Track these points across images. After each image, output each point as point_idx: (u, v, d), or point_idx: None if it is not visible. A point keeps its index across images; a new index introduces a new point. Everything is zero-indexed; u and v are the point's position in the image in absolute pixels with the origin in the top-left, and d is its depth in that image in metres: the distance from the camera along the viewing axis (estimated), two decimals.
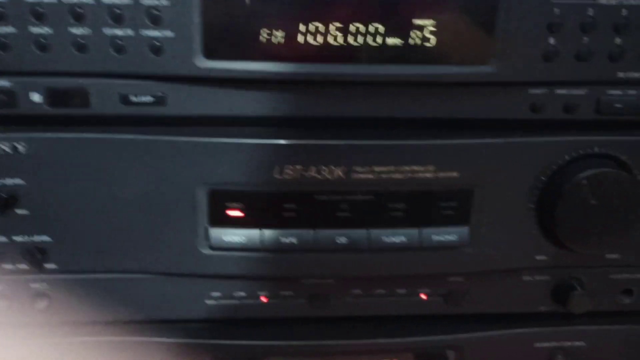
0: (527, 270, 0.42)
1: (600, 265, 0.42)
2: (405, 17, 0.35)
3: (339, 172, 0.37)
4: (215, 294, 0.41)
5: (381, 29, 0.35)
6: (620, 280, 0.42)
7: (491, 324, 0.43)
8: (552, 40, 0.35)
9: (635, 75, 0.37)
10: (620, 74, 0.37)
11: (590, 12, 0.35)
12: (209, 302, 0.41)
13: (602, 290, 0.43)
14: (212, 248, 0.39)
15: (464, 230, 0.39)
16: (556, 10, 0.35)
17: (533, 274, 0.42)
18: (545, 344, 0.44)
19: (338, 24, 0.35)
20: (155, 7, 0.33)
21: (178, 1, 0.33)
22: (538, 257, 0.41)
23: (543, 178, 0.39)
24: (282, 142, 0.36)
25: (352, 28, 0.35)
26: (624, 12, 0.35)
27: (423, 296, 0.42)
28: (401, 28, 0.35)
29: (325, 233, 0.38)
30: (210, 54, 0.34)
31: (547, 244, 0.40)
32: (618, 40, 0.36)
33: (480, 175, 0.38)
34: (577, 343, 0.44)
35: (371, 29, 0.35)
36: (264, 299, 0.41)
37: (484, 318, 0.43)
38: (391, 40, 0.35)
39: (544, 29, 0.35)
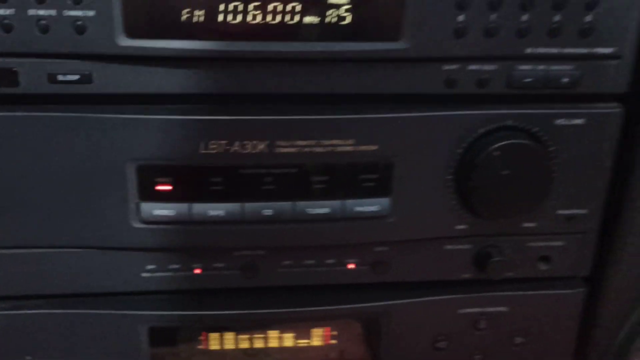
0: (449, 239, 0.44)
1: (518, 234, 0.44)
2: None
3: (262, 146, 0.39)
4: (150, 266, 0.43)
5: (298, 7, 0.36)
6: (537, 247, 0.45)
7: (417, 291, 0.45)
8: (461, 18, 0.37)
9: (543, 50, 0.39)
10: (529, 50, 0.39)
11: None
12: (144, 274, 0.43)
13: (521, 258, 0.45)
14: (143, 222, 0.40)
15: (385, 201, 0.41)
16: None
17: (454, 243, 0.44)
18: (469, 310, 0.46)
19: (256, 3, 0.36)
20: None
21: None
22: (458, 227, 0.43)
23: (459, 150, 0.41)
24: (205, 118, 0.38)
25: (270, 7, 0.36)
26: None
27: (351, 265, 0.44)
28: (317, 7, 0.36)
29: (251, 206, 0.40)
30: (131, 33, 0.36)
31: (466, 214, 0.42)
32: (525, 17, 0.38)
33: (398, 148, 0.40)
34: (500, 308, 0.46)
35: (289, 7, 0.36)
36: (197, 271, 0.43)
37: (411, 286, 0.45)
38: (308, 19, 0.37)
39: (452, 7, 0.37)
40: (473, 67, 0.39)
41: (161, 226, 0.40)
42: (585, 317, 0.48)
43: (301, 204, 0.40)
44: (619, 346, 0.49)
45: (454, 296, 0.45)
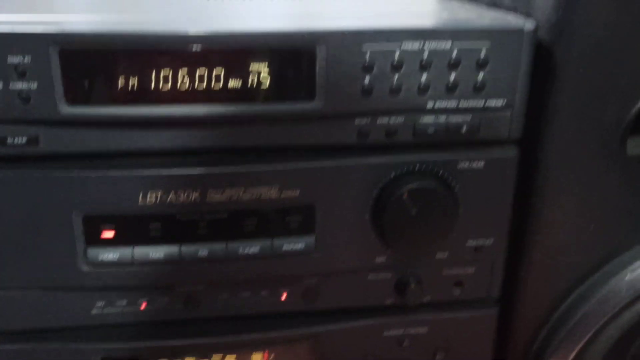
0: (370, 270, 0.49)
1: (432, 263, 0.49)
2: (244, 63, 0.41)
3: (195, 195, 0.43)
4: (100, 303, 0.47)
5: (223, 73, 0.41)
6: (451, 274, 0.50)
7: (345, 317, 0.50)
8: (367, 79, 0.42)
9: (442, 105, 0.44)
10: (429, 104, 0.44)
11: (397, 55, 0.42)
12: (94, 311, 0.47)
13: (437, 284, 0.50)
14: (91, 265, 0.45)
15: (309, 239, 0.46)
16: (368, 56, 0.42)
17: (376, 273, 0.49)
18: (393, 332, 0.51)
19: (186, 71, 0.41)
20: (20, 64, 0.39)
21: (39, 57, 0.39)
22: (378, 259, 0.48)
23: (373, 193, 0.46)
24: (143, 172, 0.42)
25: (198, 74, 0.41)
26: (425, 54, 0.42)
27: (283, 296, 0.49)
28: (240, 72, 0.41)
29: (188, 248, 0.45)
30: (72, 101, 0.40)
31: (384, 248, 0.47)
32: (424, 77, 0.43)
33: (319, 193, 0.45)
34: (421, 329, 0.51)
35: (214, 73, 0.41)
36: (143, 306, 0.47)
37: (339, 312, 0.50)
38: (232, 83, 0.42)
39: (359, 70, 0.42)
40: (381, 120, 0.44)
41: (107, 269, 0.45)
42: (502, 330, 0.53)
43: (233, 245, 0.45)
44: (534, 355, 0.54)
45: (378, 320, 0.50)
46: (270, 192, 0.44)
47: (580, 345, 0.52)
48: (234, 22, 0.43)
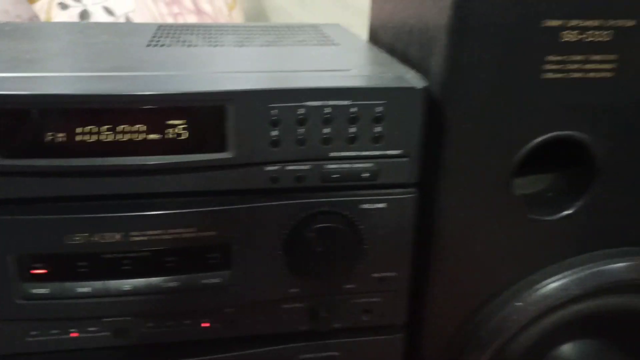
0: (284, 300, 0.53)
1: (341, 293, 0.54)
2: (162, 118, 0.46)
3: (118, 236, 0.48)
4: (34, 332, 0.51)
5: (143, 128, 0.46)
6: (359, 303, 0.55)
7: (262, 342, 0.55)
8: (275, 132, 0.47)
9: (344, 154, 0.49)
10: (333, 154, 0.49)
11: (302, 111, 0.47)
12: (29, 339, 0.51)
13: (347, 312, 0.55)
14: (24, 299, 0.49)
15: (226, 273, 0.51)
16: (274, 112, 0.47)
17: (290, 303, 0.54)
18: (307, 356, 0.56)
19: (108, 126, 0.45)
20: None
21: None
22: (291, 290, 0.53)
23: (285, 231, 0.51)
24: (70, 216, 0.47)
25: (119, 128, 0.46)
26: (327, 109, 0.47)
27: (205, 324, 0.53)
28: (159, 126, 0.46)
29: (113, 283, 0.49)
30: (4, 155, 0.44)
31: (296, 280, 0.52)
32: (327, 130, 0.48)
33: (234, 233, 0.50)
34: (333, 353, 0.56)
35: (135, 128, 0.46)
36: (75, 335, 0.52)
37: (258, 338, 0.55)
38: (152, 136, 0.46)
39: (267, 125, 0.47)
40: (290, 167, 0.49)
41: (39, 301, 0.49)
42: (412, 354, 0.59)
43: (155, 280, 0.50)
44: None
45: (294, 345, 0.55)
46: (188, 233, 0.49)
47: None
48: (153, 84, 0.47)
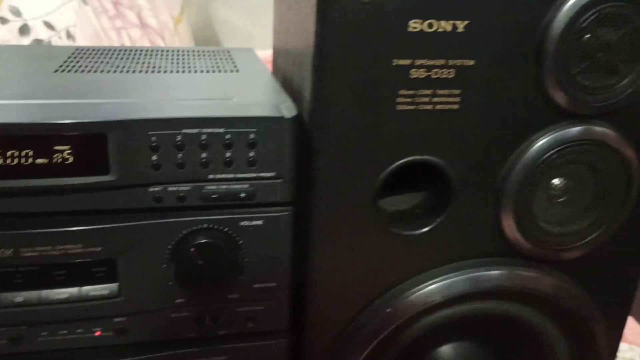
0: (172, 309, 0.58)
1: (226, 302, 0.59)
2: (49, 144, 0.50)
3: (9, 252, 0.52)
4: None
5: (31, 153, 0.50)
6: (244, 311, 0.60)
7: (152, 349, 0.59)
8: (155, 157, 0.52)
9: (221, 176, 0.54)
10: (211, 176, 0.54)
11: (179, 138, 0.52)
12: None
13: (232, 319, 0.60)
14: None
15: (114, 286, 0.55)
16: (153, 139, 0.52)
17: (177, 312, 0.58)
18: None
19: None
20: None
21: None
22: (177, 301, 0.58)
23: (169, 247, 0.56)
24: None
25: (8, 153, 0.50)
26: (203, 137, 0.53)
27: (98, 333, 0.58)
28: (46, 152, 0.50)
29: (6, 295, 0.53)
30: None
31: (181, 291, 0.57)
32: (204, 154, 0.53)
33: (120, 248, 0.54)
34: (220, 358, 0.61)
35: (23, 153, 0.50)
36: None
37: (149, 344, 0.59)
38: (39, 160, 0.51)
39: (148, 150, 0.52)
40: (172, 188, 0.54)
41: None
42: (295, 357, 0.64)
43: (45, 292, 0.54)
44: None
45: (183, 350, 0.60)
46: (75, 249, 0.53)
47: None
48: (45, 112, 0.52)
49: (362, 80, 0.53)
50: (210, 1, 2.25)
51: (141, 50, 0.82)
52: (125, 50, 0.81)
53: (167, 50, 0.83)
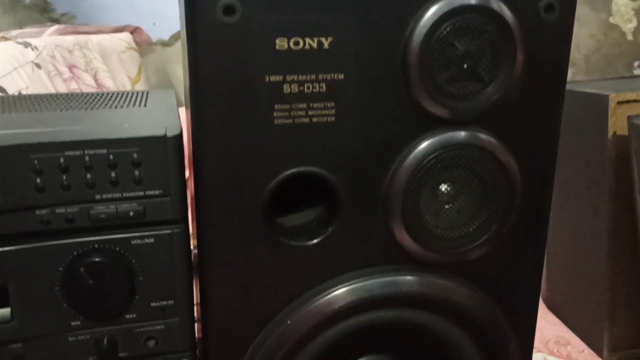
0: (69, 332, 0.59)
1: (123, 323, 0.60)
2: None
3: None
4: None
5: None
6: (143, 332, 0.61)
7: None
8: (39, 180, 0.54)
9: (109, 196, 0.57)
10: (98, 196, 0.56)
11: (62, 160, 0.55)
12: None
13: (131, 340, 0.61)
14: None
15: (6, 311, 0.56)
16: (36, 162, 0.54)
17: (74, 335, 0.59)
18: None
19: None
20: None
21: None
22: (73, 323, 0.59)
23: (60, 269, 0.57)
24: None
25: None
26: (87, 158, 0.55)
27: None
28: None
29: None
30: None
31: (77, 313, 0.58)
32: (89, 175, 0.56)
33: (10, 273, 0.56)
34: None
35: None
36: None
37: None
38: None
39: (31, 173, 0.54)
40: (59, 210, 0.56)
41: None
42: None
43: None
44: None
45: None
46: None
47: None
48: None
49: (238, 97, 0.56)
50: (168, 62, 2.30)
51: (67, 95, 0.85)
52: (51, 95, 0.84)
53: (90, 94, 0.86)
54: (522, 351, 0.73)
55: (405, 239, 0.63)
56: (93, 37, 1.86)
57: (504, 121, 0.63)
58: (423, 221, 0.63)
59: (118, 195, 0.57)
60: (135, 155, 0.56)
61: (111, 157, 0.55)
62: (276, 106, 0.57)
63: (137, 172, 0.56)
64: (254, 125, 0.57)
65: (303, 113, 0.58)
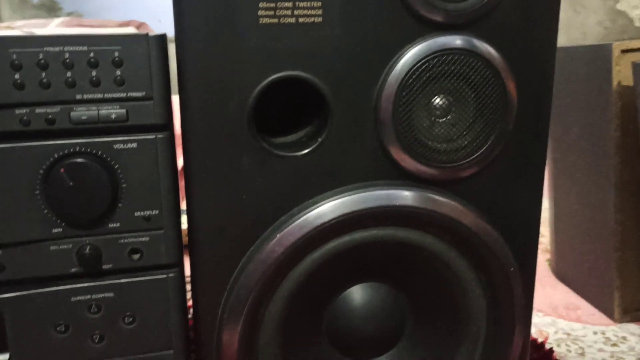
0: (51, 241, 0.57)
1: (107, 233, 0.58)
2: None
3: None
4: None
5: None
6: (127, 243, 0.59)
7: (33, 285, 0.58)
8: (17, 75, 0.53)
9: (89, 96, 0.55)
10: (78, 96, 0.55)
11: (41, 56, 0.53)
12: None
13: (116, 252, 0.59)
14: None
15: None
16: (14, 56, 0.53)
17: (56, 244, 0.58)
18: (81, 298, 0.59)
19: None
20: None
21: None
22: (55, 230, 0.57)
23: (40, 172, 0.56)
24: None
25: None
26: (67, 54, 0.54)
27: None
28: None
29: None
30: None
31: (58, 220, 0.57)
32: (69, 74, 0.54)
33: None
34: (107, 294, 0.60)
35: None
36: None
37: (29, 281, 0.58)
38: None
39: (9, 69, 0.53)
40: (39, 110, 0.55)
41: None
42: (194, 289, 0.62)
43: None
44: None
45: (65, 287, 0.59)
46: None
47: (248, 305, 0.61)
48: None
49: None
50: (173, 58, 2.32)
51: None
52: None
53: None
54: (523, 278, 0.70)
55: (397, 150, 0.61)
56: (98, 30, 1.88)
57: (500, 30, 0.61)
58: (415, 132, 0.61)
59: (99, 96, 0.55)
60: (116, 54, 0.55)
61: (92, 54, 0.54)
62: (261, 4, 0.55)
63: (118, 72, 0.55)
64: (238, 24, 0.55)
65: (289, 12, 0.56)
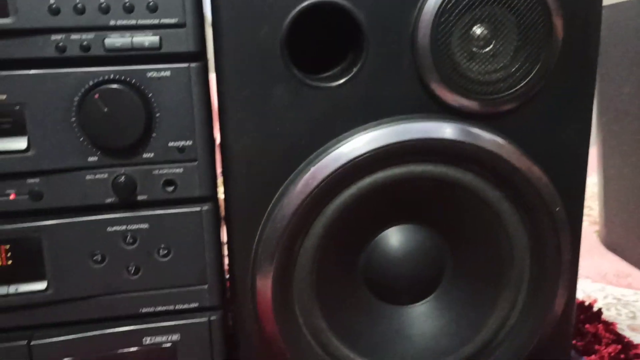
0: (86, 169, 0.58)
1: (141, 163, 0.58)
2: None
3: None
4: None
5: None
6: (161, 174, 0.59)
7: (70, 215, 0.58)
8: (52, 0, 0.53)
9: (123, 22, 0.55)
10: (112, 22, 0.55)
11: None
12: None
13: (150, 183, 0.59)
14: None
15: (23, 139, 0.55)
16: None
17: (92, 173, 0.58)
18: (116, 228, 0.59)
19: None
20: None
21: None
22: (90, 159, 0.57)
23: (76, 99, 0.56)
24: None
25: None
26: None
27: (12, 196, 0.57)
28: None
29: None
30: None
31: (93, 148, 0.57)
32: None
33: (27, 97, 0.55)
34: (142, 225, 0.60)
35: None
36: None
37: (66, 210, 0.58)
38: None
39: None
40: (74, 36, 0.55)
41: None
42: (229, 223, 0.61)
43: None
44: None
45: (101, 217, 0.59)
46: None
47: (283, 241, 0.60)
48: None
49: None
50: None
51: None
52: None
53: None
54: (570, 223, 0.67)
55: (435, 81, 0.59)
56: None
57: None
58: (455, 62, 0.59)
59: (133, 22, 0.55)
60: None
61: None
62: None
63: None
64: None
65: None
